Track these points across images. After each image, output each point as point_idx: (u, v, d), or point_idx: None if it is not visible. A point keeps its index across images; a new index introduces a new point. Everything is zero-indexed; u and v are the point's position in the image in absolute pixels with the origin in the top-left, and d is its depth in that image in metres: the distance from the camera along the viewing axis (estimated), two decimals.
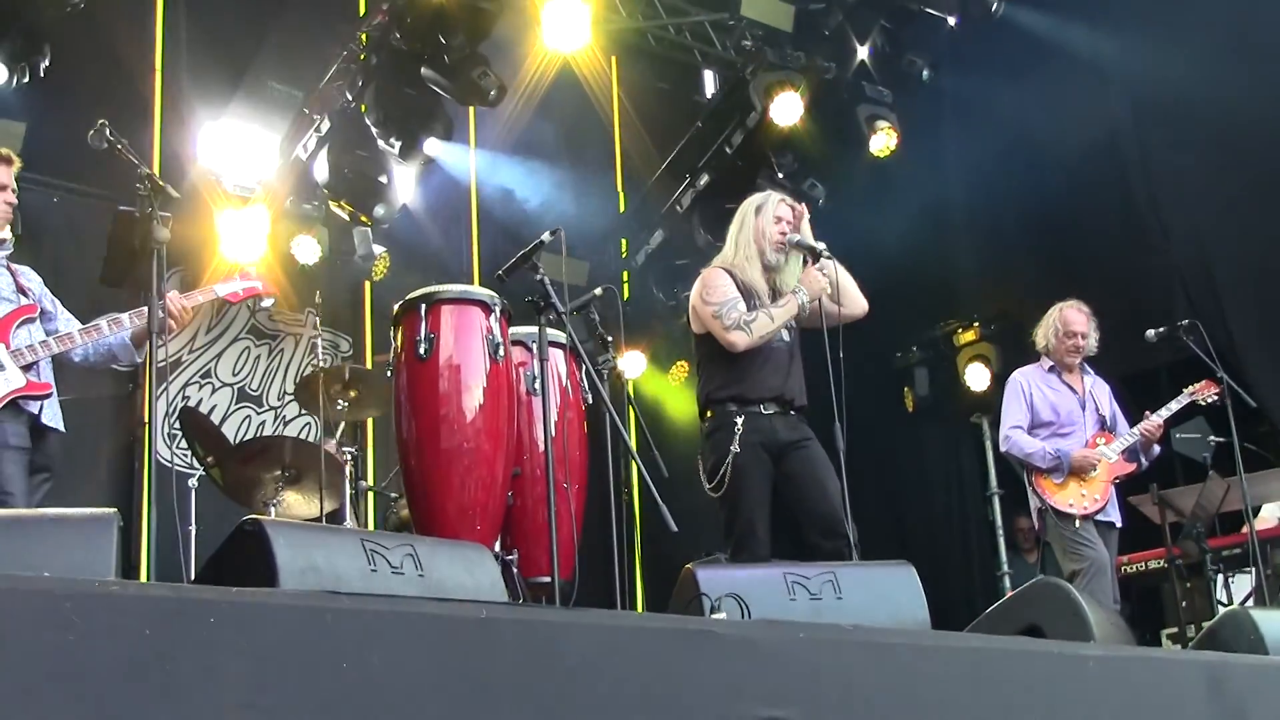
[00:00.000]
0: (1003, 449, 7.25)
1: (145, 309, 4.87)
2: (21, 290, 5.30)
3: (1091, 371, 7.41)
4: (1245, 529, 7.26)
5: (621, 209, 12.03)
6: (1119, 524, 7.11)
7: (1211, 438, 7.56)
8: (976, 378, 10.53)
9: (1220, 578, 7.65)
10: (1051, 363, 7.35)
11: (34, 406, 5.08)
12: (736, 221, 5.96)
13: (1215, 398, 7.13)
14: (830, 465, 5.53)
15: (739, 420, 5.52)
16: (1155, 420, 7.14)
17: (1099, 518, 6.97)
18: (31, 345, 5.12)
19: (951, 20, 10.04)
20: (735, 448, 5.47)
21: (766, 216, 5.83)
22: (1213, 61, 8.83)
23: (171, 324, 5.15)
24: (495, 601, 3.25)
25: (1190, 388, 7.29)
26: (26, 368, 5.09)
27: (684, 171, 11.14)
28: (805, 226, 5.86)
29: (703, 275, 5.83)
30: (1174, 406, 7.25)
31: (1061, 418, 7.20)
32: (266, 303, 6.09)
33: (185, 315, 5.22)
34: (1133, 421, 7.20)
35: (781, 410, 5.65)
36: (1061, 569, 6.96)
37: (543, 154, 11.06)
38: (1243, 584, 7.85)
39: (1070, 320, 7.33)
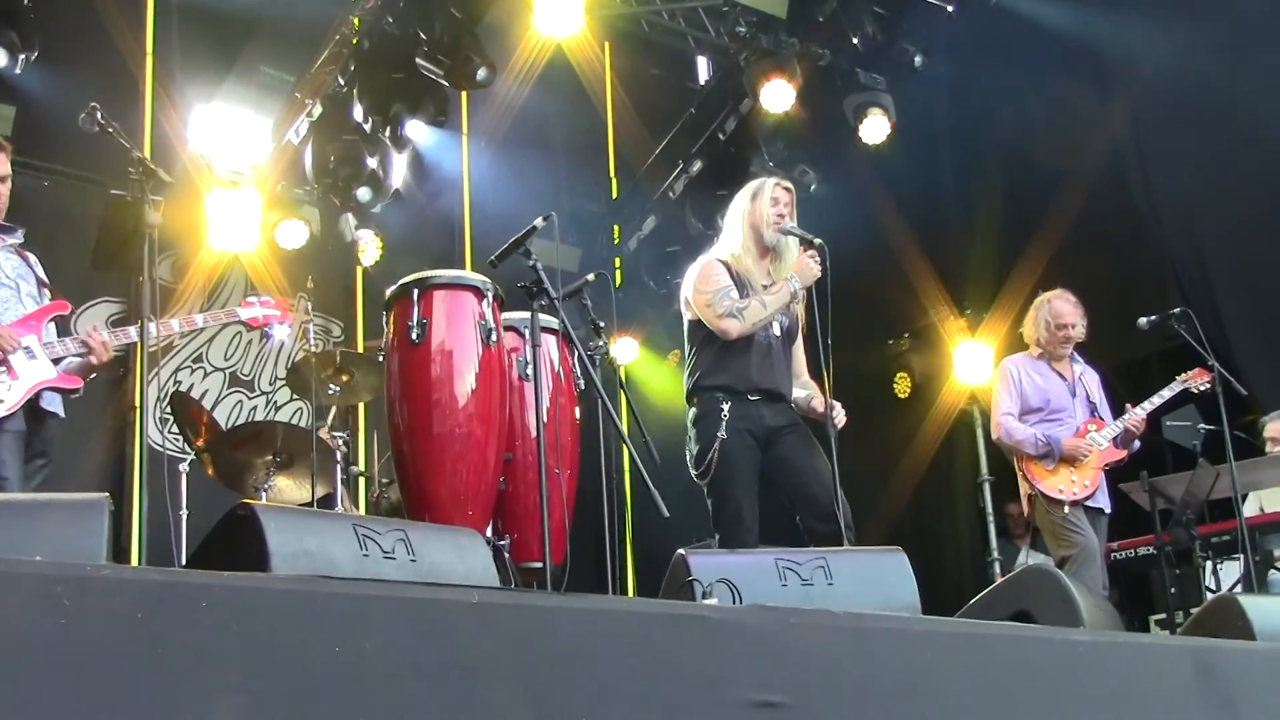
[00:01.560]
0: (994, 436, 7.28)
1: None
2: (42, 283, 5.36)
3: (1080, 359, 7.42)
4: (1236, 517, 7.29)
5: (614, 195, 12.02)
6: (1109, 510, 7.13)
7: (1201, 425, 7.57)
8: (967, 365, 10.53)
9: (1209, 564, 7.68)
10: (1041, 351, 7.36)
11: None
12: (733, 208, 5.96)
13: (1207, 385, 7.14)
14: (820, 448, 5.54)
15: (725, 407, 5.53)
16: (1139, 414, 7.17)
17: (1089, 504, 6.98)
18: (63, 340, 5.17)
19: (950, 8, 10.03)
20: (722, 434, 5.48)
21: (763, 200, 5.83)
22: (1210, 50, 8.84)
23: (91, 359, 5.14)
24: (487, 586, 3.26)
25: (1183, 375, 7.31)
26: (56, 361, 5.13)
27: (676, 158, 11.15)
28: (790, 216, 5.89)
29: (697, 265, 5.82)
30: (1166, 394, 7.29)
31: (1052, 405, 7.21)
32: (281, 332, 6.09)
33: (104, 353, 5.20)
34: (1117, 413, 7.22)
35: (768, 399, 5.66)
36: (1051, 555, 6.98)
37: (535, 140, 11.05)
38: (1231, 571, 7.87)
39: (1060, 312, 7.33)
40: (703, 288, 5.67)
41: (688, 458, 5.63)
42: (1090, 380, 7.35)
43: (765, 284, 5.75)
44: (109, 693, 2.28)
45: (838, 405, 5.61)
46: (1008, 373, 7.33)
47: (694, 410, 5.68)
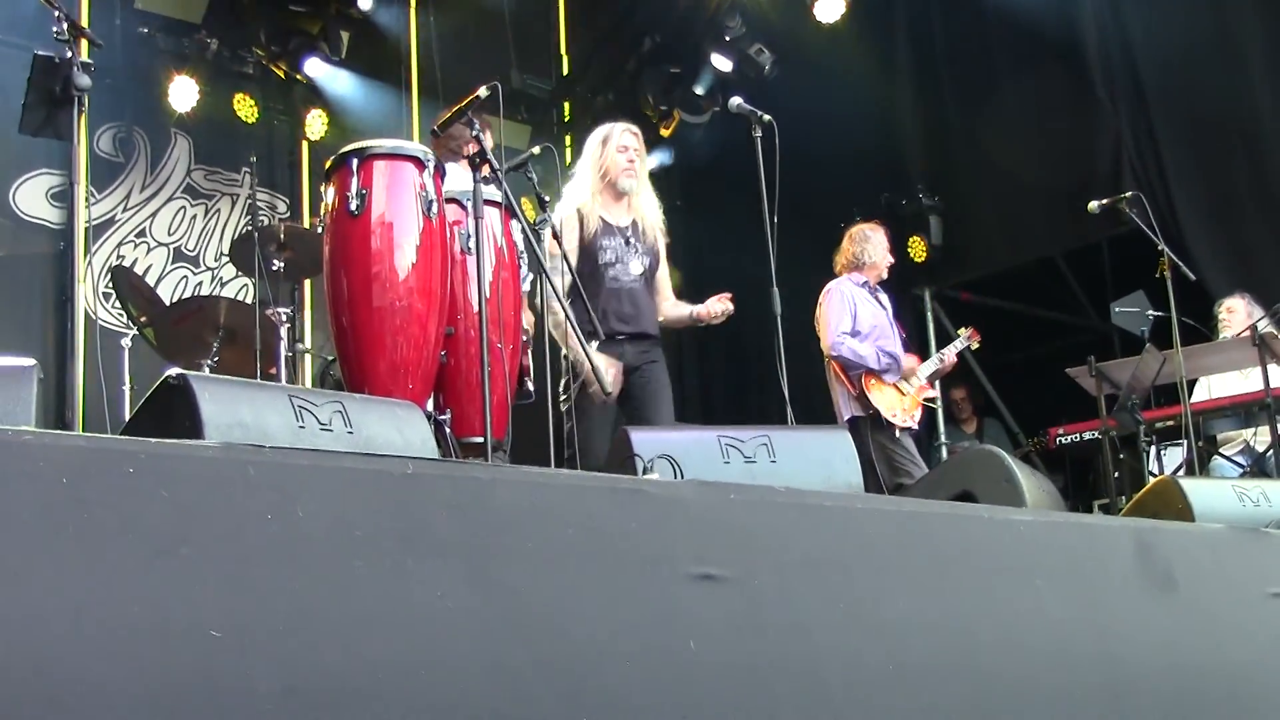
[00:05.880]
0: (833, 354, 7.39)
1: None
2: None
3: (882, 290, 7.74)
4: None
5: (565, 73, 11.86)
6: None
7: (1150, 311, 7.60)
8: (918, 248, 10.51)
9: (1153, 449, 7.74)
10: (865, 278, 7.57)
11: None
12: (585, 154, 6.07)
13: (977, 345, 8.12)
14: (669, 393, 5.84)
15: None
16: (950, 358, 7.94)
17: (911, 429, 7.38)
18: None
19: None
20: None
21: (611, 147, 5.97)
22: None
23: None
24: (422, 457, 3.21)
25: (962, 334, 8.17)
26: None
27: (629, 34, 10.99)
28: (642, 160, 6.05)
29: (558, 216, 5.83)
30: (947, 354, 7.95)
31: (878, 330, 7.46)
32: None
33: None
34: None
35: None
36: (883, 480, 7.07)
37: (486, 16, 10.85)
38: (1175, 456, 7.95)
39: (886, 241, 7.72)
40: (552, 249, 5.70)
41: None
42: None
43: (622, 224, 5.92)
44: (32, 557, 2.23)
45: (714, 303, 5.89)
46: (842, 294, 7.52)
47: None
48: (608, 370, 5.47)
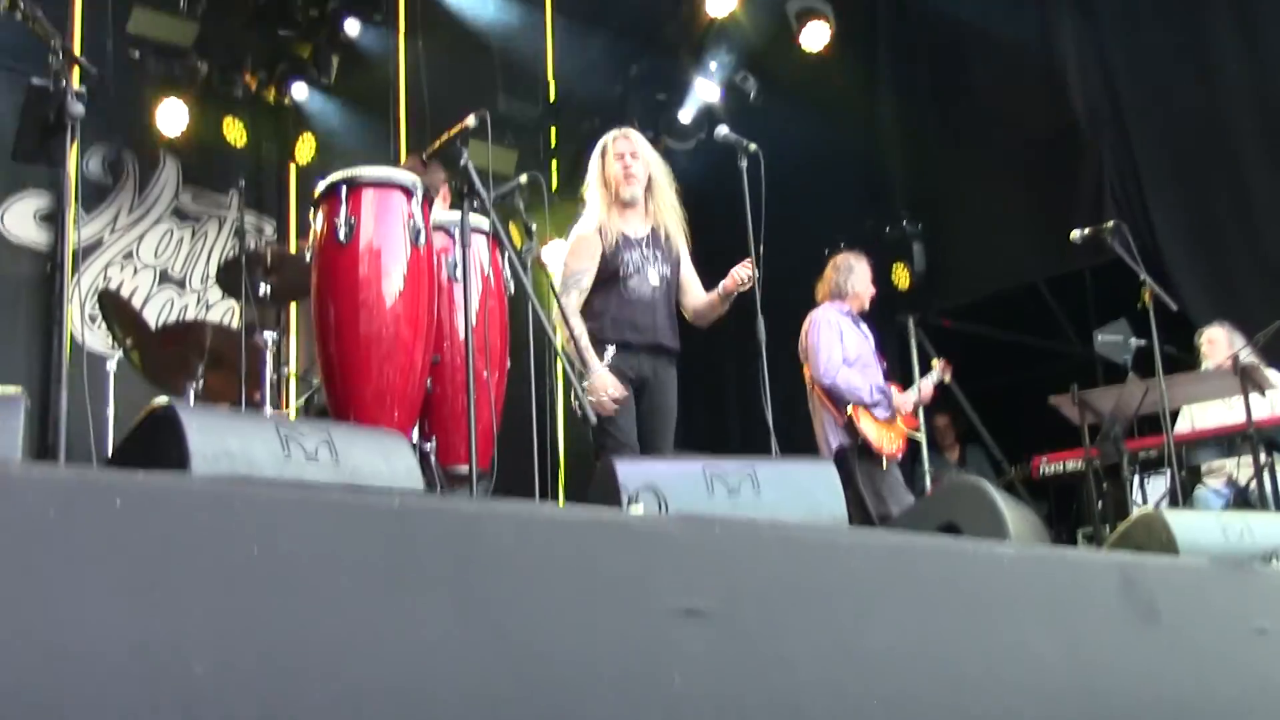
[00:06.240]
0: (825, 382, 7.35)
1: None
2: None
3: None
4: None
5: (552, 98, 11.88)
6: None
7: (1133, 340, 7.64)
8: (901, 274, 10.54)
9: (1136, 479, 7.76)
10: (848, 307, 7.58)
11: None
12: (589, 171, 6.03)
13: (948, 377, 8.16)
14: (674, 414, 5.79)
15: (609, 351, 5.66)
16: (928, 389, 8.00)
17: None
18: None
19: None
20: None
21: (609, 158, 5.94)
22: None
23: None
24: (408, 490, 3.22)
25: (935, 365, 8.19)
26: None
27: (616, 61, 11.02)
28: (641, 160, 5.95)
29: (572, 233, 5.91)
30: (923, 386, 8.00)
31: (863, 359, 7.47)
32: None
33: None
34: None
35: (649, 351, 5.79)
36: (871, 513, 7.09)
37: (473, 40, 10.87)
38: (1158, 486, 7.97)
39: (868, 270, 7.73)
40: (567, 262, 5.82)
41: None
42: None
43: (641, 235, 5.87)
44: (19, 590, 2.23)
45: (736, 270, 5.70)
46: (829, 322, 7.49)
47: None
48: (612, 389, 5.50)
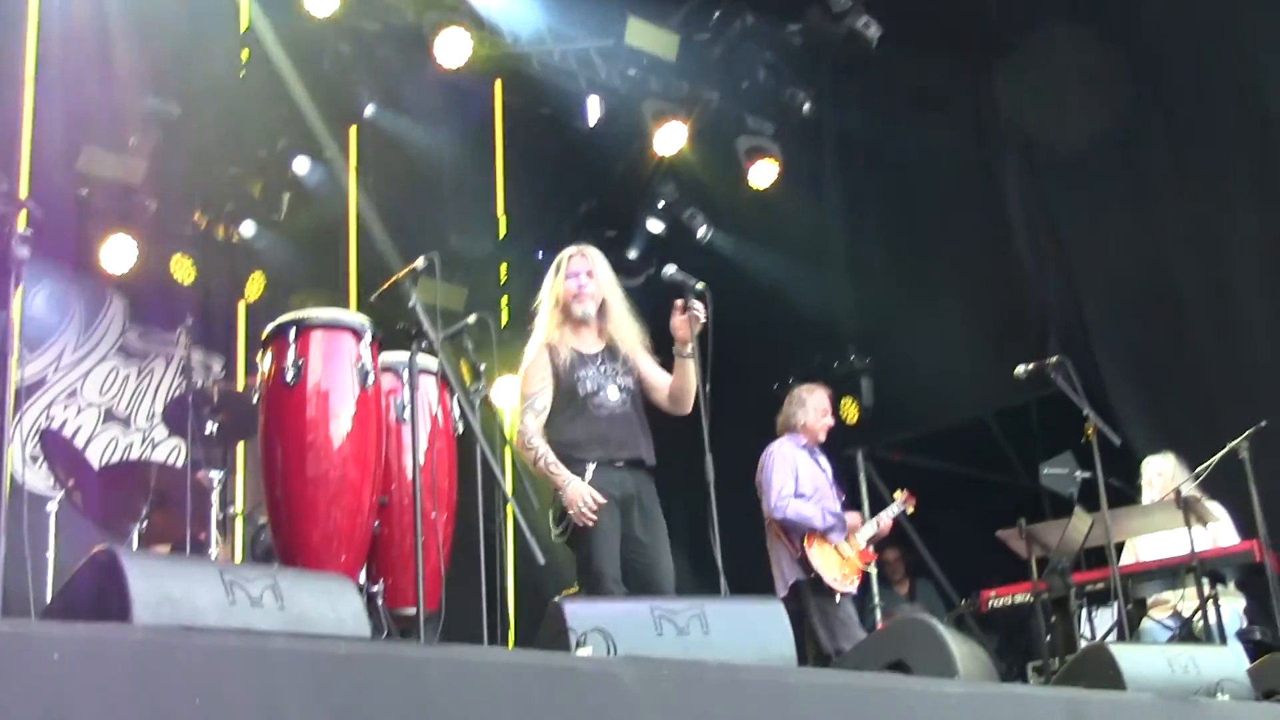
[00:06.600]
0: (776, 515, 7.40)
1: None
2: None
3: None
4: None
5: (501, 235, 11.97)
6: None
7: (1078, 473, 7.68)
8: (850, 409, 10.61)
9: (1084, 611, 7.77)
10: (806, 440, 7.66)
11: None
12: (544, 286, 5.95)
13: (913, 509, 8.21)
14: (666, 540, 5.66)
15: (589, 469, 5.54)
16: (886, 523, 7.98)
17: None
18: None
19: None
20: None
21: (561, 276, 5.86)
22: (1094, 100, 9.03)
23: None
24: (355, 637, 3.19)
25: (898, 497, 8.22)
26: None
27: (566, 198, 11.15)
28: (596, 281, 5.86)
29: (528, 352, 5.81)
30: (883, 518, 7.99)
31: (819, 491, 7.53)
32: None
33: None
34: None
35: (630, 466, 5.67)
36: (823, 646, 7.09)
37: (423, 177, 10.97)
38: (1105, 618, 7.98)
39: (827, 401, 7.80)
40: (523, 389, 5.75)
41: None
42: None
43: (594, 351, 5.75)
44: None
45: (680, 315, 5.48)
46: (783, 455, 7.56)
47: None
48: (588, 497, 5.41)
